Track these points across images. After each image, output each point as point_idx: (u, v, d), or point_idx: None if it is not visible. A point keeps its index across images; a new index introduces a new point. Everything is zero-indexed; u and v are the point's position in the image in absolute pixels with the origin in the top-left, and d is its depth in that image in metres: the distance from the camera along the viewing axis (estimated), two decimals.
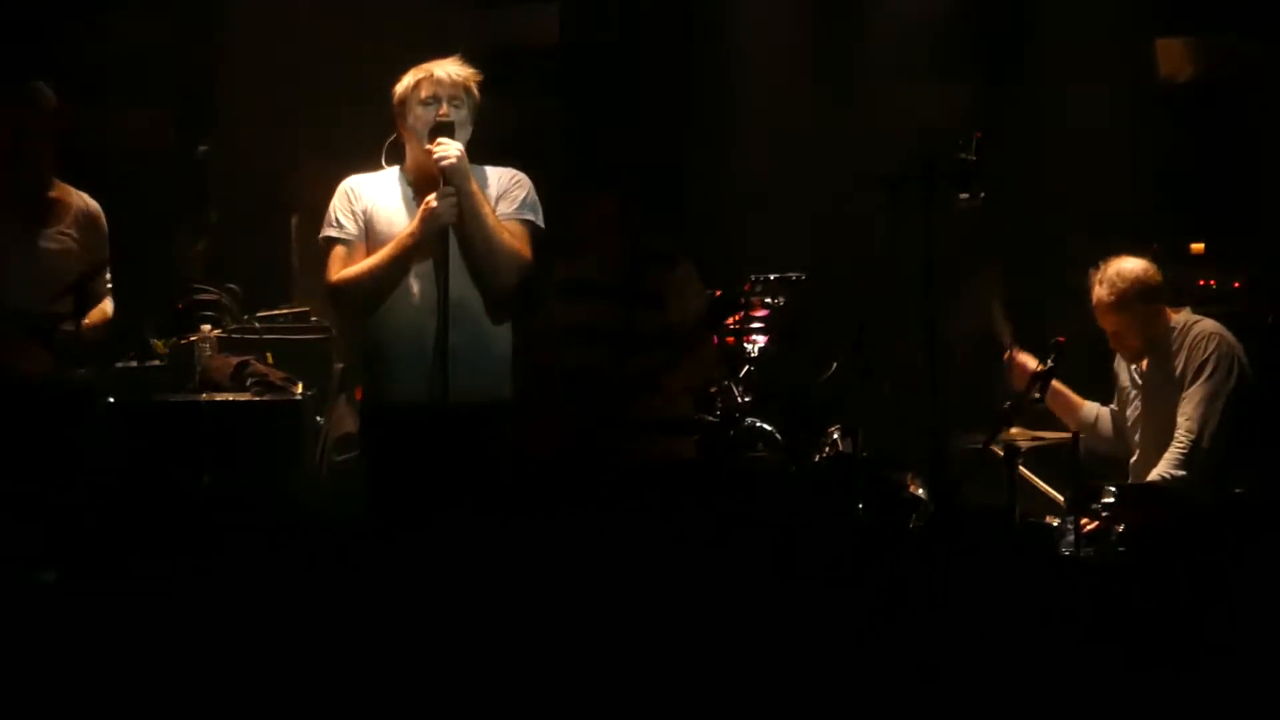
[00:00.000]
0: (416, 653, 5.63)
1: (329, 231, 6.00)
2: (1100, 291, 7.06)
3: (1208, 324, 7.03)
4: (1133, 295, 7.01)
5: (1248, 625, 6.01)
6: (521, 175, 6.10)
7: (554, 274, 6.43)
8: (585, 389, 6.28)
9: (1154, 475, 6.87)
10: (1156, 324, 7.05)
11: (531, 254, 5.99)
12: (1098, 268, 7.09)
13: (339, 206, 6.01)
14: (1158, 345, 7.06)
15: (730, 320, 7.52)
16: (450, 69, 5.97)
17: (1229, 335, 6.99)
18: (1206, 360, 6.90)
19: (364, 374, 6.13)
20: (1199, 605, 6.13)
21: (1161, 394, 7.02)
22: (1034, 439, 6.75)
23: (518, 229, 6.00)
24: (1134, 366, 7.21)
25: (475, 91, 6.00)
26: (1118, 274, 7.03)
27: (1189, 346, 6.96)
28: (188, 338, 7.42)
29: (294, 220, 8.46)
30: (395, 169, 6.09)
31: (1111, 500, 6.64)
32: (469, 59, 6.03)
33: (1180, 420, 6.88)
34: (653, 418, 6.36)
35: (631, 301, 6.36)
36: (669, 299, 6.39)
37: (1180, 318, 7.07)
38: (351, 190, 6.02)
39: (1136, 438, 7.16)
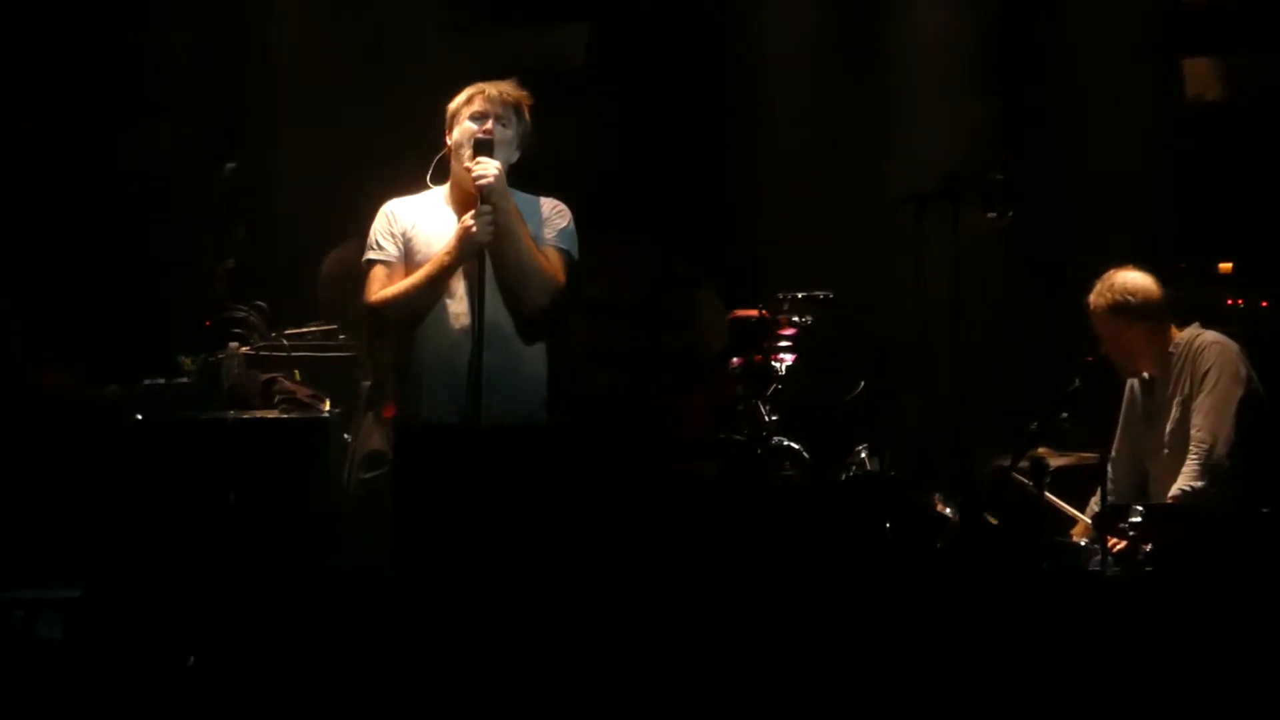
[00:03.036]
0: (446, 675, 5.67)
1: (370, 254, 6.03)
2: (1093, 298, 7.06)
3: (1208, 335, 7.01)
4: (1129, 307, 6.99)
5: (1274, 643, 6.03)
6: (564, 207, 6.13)
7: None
8: (608, 409, 6.27)
9: (1175, 490, 6.83)
10: (1157, 341, 7.03)
11: (565, 281, 5.99)
12: (1097, 282, 7.09)
13: (379, 229, 6.05)
14: (1161, 365, 7.04)
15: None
16: (504, 88, 6.04)
17: (1231, 344, 6.96)
18: (1210, 369, 6.88)
19: (398, 394, 6.15)
20: (1226, 623, 6.13)
21: (1172, 412, 7.00)
22: (1062, 458, 6.74)
23: (554, 255, 6.02)
24: (1139, 389, 7.18)
25: (525, 114, 6.07)
26: (1115, 284, 7.03)
27: (1191, 360, 6.95)
28: (216, 355, 7.39)
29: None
30: (437, 190, 6.12)
31: (1139, 519, 6.59)
32: (516, 79, 6.09)
33: (1193, 432, 6.85)
34: (673, 437, 6.35)
35: (654, 323, 6.30)
36: (691, 320, 6.36)
37: (1184, 334, 7.05)
38: (391, 213, 6.06)
39: (1153, 460, 7.13)
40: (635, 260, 6.69)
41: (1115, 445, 7.18)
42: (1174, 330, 7.07)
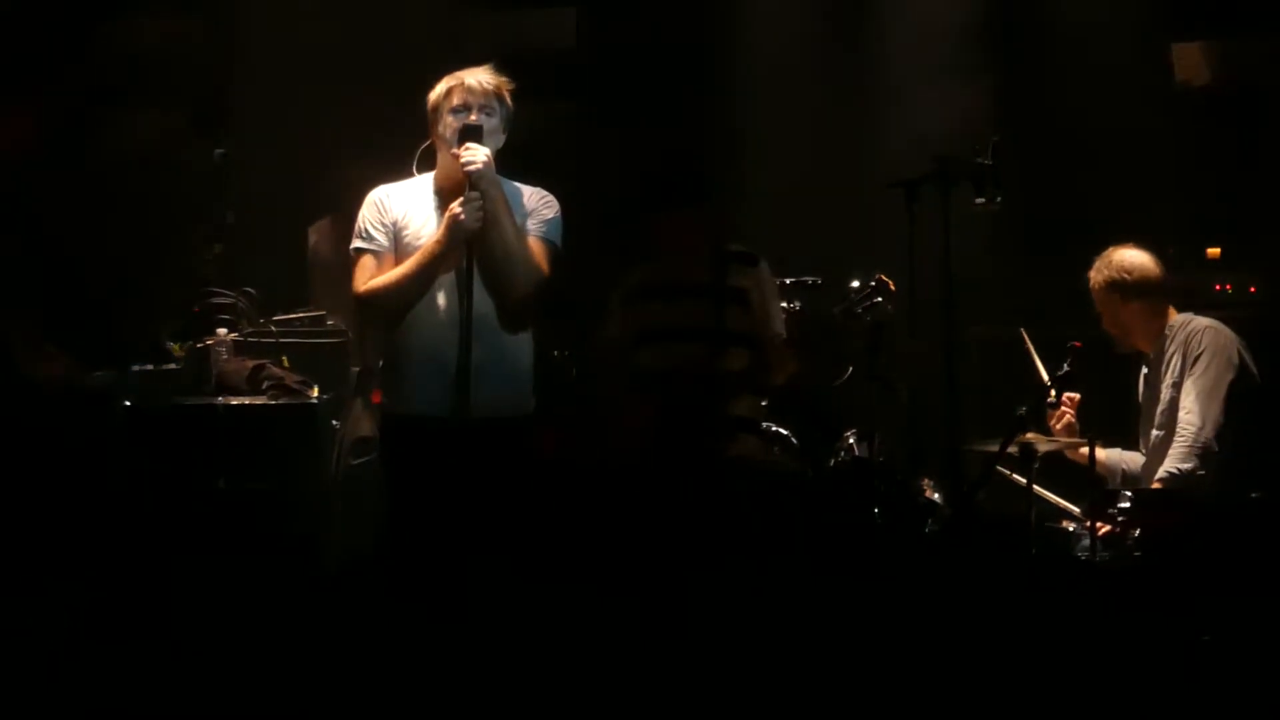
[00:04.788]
0: (435, 665, 5.69)
1: (358, 243, 6.03)
2: (1092, 274, 7.11)
3: (1201, 320, 7.02)
4: (1125, 284, 7.03)
5: (1263, 629, 6.05)
6: (551, 197, 6.13)
7: (632, 278, 6.68)
8: (671, 388, 6.42)
9: (1162, 471, 6.84)
10: (1153, 320, 7.07)
11: (550, 272, 6.01)
12: (1097, 258, 7.13)
13: (368, 217, 6.03)
14: (1157, 344, 7.06)
15: None
16: (482, 77, 6.00)
17: (1225, 329, 6.98)
18: (1201, 353, 6.89)
19: (385, 385, 6.17)
20: (1215, 609, 6.13)
21: (1164, 394, 7.01)
22: (1050, 443, 6.73)
23: (539, 245, 6.02)
24: (1145, 373, 7.18)
25: (507, 100, 6.05)
26: (1113, 261, 7.07)
27: (1183, 343, 6.95)
28: (204, 341, 7.40)
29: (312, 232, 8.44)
30: (425, 177, 6.11)
31: (1128, 505, 6.60)
32: (493, 64, 6.08)
33: (1181, 414, 6.87)
34: (732, 416, 6.52)
35: (718, 301, 6.48)
36: (751, 298, 6.52)
37: (1179, 317, 7.07)
38: (380, 201, 6.05)
39: (1146, 441, 7.15)
40: (696, 238, 6.66)
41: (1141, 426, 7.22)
42: (1172, 312, 7.08)
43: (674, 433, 6.39)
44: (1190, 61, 8.97)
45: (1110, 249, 7.11)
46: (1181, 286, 7.51)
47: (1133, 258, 7.05)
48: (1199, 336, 6.93)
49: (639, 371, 6.59)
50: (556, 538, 6.23)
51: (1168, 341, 7.01)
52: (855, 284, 6.82)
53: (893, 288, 6.81)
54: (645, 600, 6.12)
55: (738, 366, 6.51)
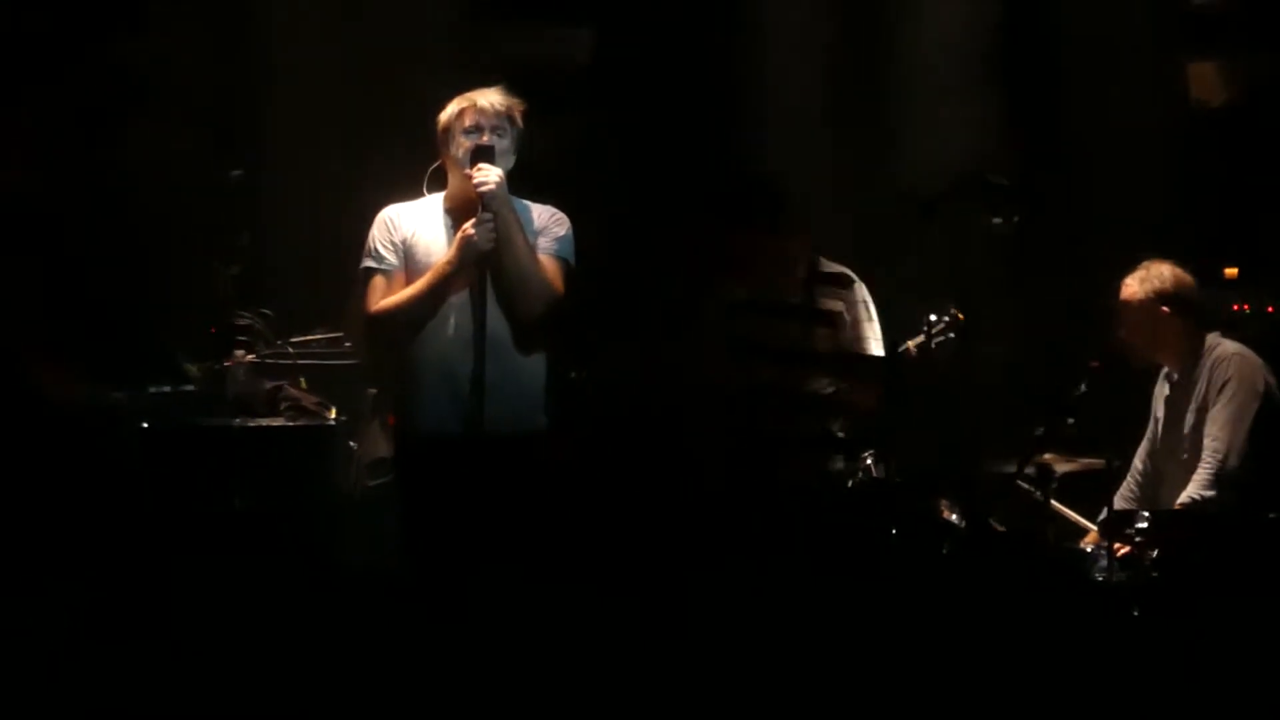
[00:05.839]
0: (452, 683, 5.68)
1: (368, 262, 6.00)
2: (1134, 284, 7.01)
3: (1229, 345, 6.98)
4: (1170, 298, 6.95)
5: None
6: (562, 215, 6.11)
7: (715, 292, 6.75)
8: (756, 406, 6.50)
9: (1184, 497, 6.80)
10: (1187, 339, 7.01)
11: (563, 290, 6.00)
12: (1134, 270, 7.05)
13: (378, 237, 6.01)
14: (1186, 366, 7.01)
15: None
16: (493, 98, 5.98)
17: (1252, 356, 6.94)
18: (1229, 381, 6.85)
19: (397, 405, 6.19)
20: (1233, 630, 6.11)
21: (1188, 418, 6.98)
22: (1068, 463, 6.70)
23: (552, 264, 6.00)
24: (1166, 391, 7.14)
25: (518, 120, 6.02)
26: (1162, 274, 6.99)
27: (1211, 368, 6.91)
28: (222, 362, 7.43)
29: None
30: (436, 197, 6.10)
31: (1145, 525, 6.55)
32: (508, 81, 6.07)
33: (1207, 442, 6.83)
34: (809, 437, 6.61)
35: (807, 320, 6.58)
36: (844, 320, 6.63)
37: (1208, 340, 7.02)
38: (390, 220, 6.03)
39: (1166, 463, 7.11)
40: (786, 255, 6.75)
41: (1143, 444, 7.19)
42: (1199, 333, 7.04)
43: (747, 453, 6.45)
44: (1206, 80, 8.96)
45: (1150, 261, 7.03)
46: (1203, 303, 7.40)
47: (1179, 273, 7.00)
48: (1226, 363, 6.89)
49: (721, 387, 6.64)
50: (583, 552, 6.32)
51: (1199, 368, 6.96)
52: (932, 316, 6.71)
53: (962, 319, 6.72)
54: (666, 612, 6.21)
55: (818, 389, 6.58)
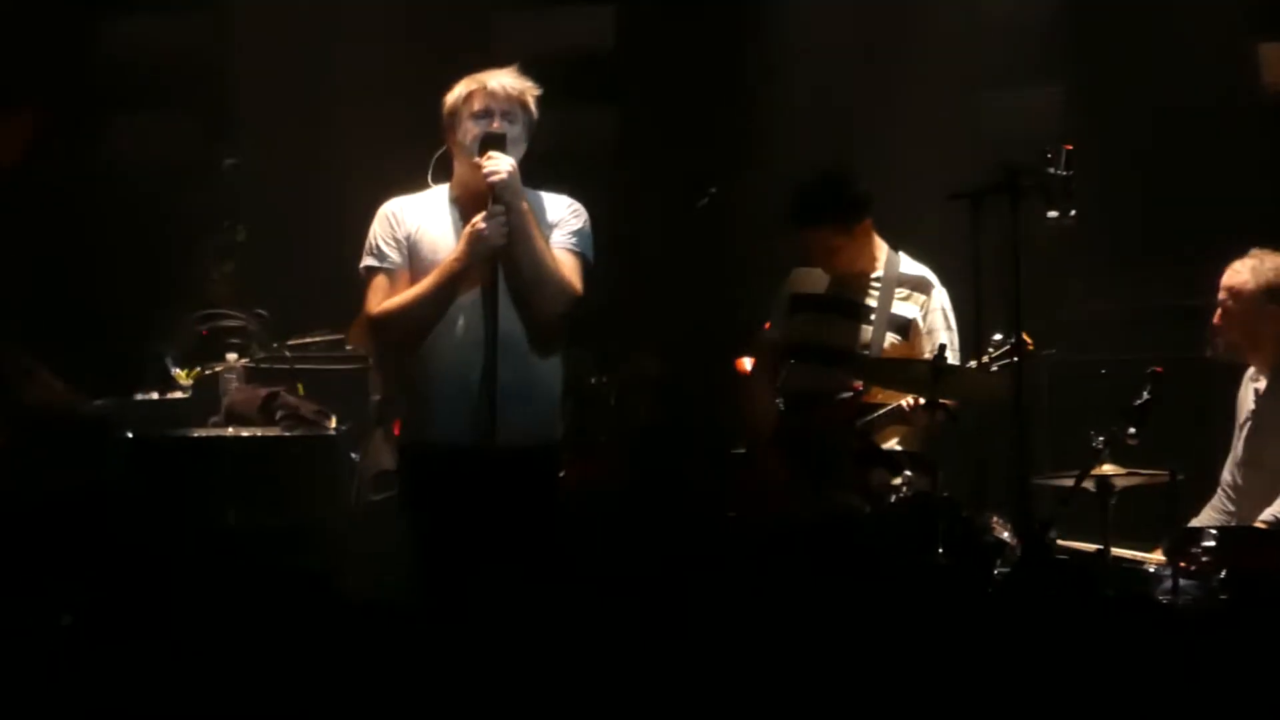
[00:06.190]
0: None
1: (369, 260, 5.81)
2: (1244, 273, 6.71)
3: None
4: (1275, 294, 6.64)
5: None
6: (579, 206, 5.92)
7: (792, 285, 6.87)
8: (809, 412, 6.59)
9: (1268, 514, 6.51)
10: None
11: (581, 288, 5.80)
12: (1244, 257, 6.77)
13: (379, 233, 5.81)
14: (1275, 367, 6.72)
15: None
16: (505, 80, 5.77)
17: None
18: None
19: (405, 411, 6.03)
20: None
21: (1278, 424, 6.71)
22: (1129, 476, 6.39)
23: (570, 259, 5.79)
24: (1257, 390, 6.83)
25: (532, 106, 5.83)
26: (1270, 265, 6.68)
27: None
28: (213, 367, 7.41)
29: None
30: (441, 188, 5.90)
31: (1212, 544, 6.25)
32: (517, 66, 5.83)
33: None
34: (870, 447, 6.61)
35: (879, 325, 6.66)
36: (918, 326, 6.71)
37: None
38: (392, 215, 5.83)
39: (1252, 475, 6.79)
40: (852, 254, 6.74)
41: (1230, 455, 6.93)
42: None
43: (804, 461, 6.50)
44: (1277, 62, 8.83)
45: (1260, 250, 6.74)
46: None
47: None
48: None
49: (785, 387, 6.72)
50: (604, 576, 6.11)
51: None
52: (998, 336, 6.61)
53: (1030, 346, 6.58)
54: (698, 635, 5.88)
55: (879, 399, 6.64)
